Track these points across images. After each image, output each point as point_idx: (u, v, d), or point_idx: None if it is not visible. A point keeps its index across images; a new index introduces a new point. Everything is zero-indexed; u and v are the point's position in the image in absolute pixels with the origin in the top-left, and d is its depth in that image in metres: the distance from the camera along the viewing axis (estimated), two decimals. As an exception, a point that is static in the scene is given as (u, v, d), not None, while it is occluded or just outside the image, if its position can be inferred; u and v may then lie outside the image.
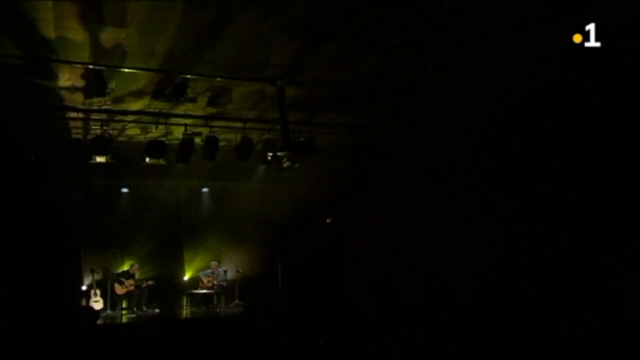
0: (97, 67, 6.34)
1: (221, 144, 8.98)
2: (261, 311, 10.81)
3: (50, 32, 5.31)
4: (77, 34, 5.36)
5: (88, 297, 10.65)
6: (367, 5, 4.90)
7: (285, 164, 8.90)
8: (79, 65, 6.29)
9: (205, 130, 8.88)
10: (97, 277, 10.85)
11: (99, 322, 9.81)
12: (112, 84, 6.95)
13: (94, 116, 8.30)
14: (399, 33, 5.57)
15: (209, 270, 12.01)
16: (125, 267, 11.49)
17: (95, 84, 6.74)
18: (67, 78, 6.80)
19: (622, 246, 6.50)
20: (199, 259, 12.49)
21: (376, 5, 4.90)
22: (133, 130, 9.43)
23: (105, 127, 8.40)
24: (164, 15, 5.00)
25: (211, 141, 8.76)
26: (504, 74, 6.59)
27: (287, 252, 12.04)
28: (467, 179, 9.00)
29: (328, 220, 12.50)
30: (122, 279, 11.11)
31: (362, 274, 10.98)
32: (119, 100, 7.72)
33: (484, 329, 7.82)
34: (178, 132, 8.95)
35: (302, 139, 8.40)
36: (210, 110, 8.34)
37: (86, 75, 6.66)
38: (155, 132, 8.91)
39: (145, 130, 9.16)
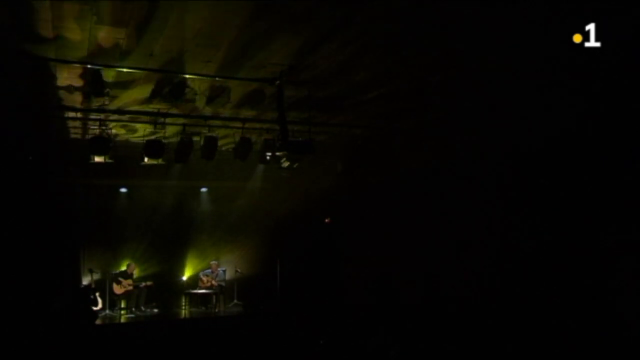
0: (96, 67, 6.32)
1: (220, 143, 8.96)
2: (260, 311, 10.81)
3: (48, 32, 5.29)
4: (75, 33, 5.34)
5: (87, 297, 10.63)
6: (366, 5, 4.89)
7: (284, 164, 8.87)
8: (77, 65, 6.27)
9: (204, 130, 8.87)
10: (96, 276, 10.84)
11: (98, 322, 9.80)
12: (111, 84, 6.94)
13: (93, 116, 8.28)
14: (398, 33, 5.56)
15: (209, 270, 12.02)
16: (123, 267, 11.49)
17: (93, 84, 6.72)
18: (65, 78, 6.77)
19: (621, 246, 6.51)
20: (197, 259, 12.49)
21: (375, 6, 4.89)
22: (131, 130, 9.41)
23: (103, 127, 8.38)
24: (162, 14, 4.98)
25: (210, 141, 8.74)
26: (503, 73, 6.58)
27: (286, 252, 12.04)
28: (465, 179, 9.00)
29: (327, 220, 12.49)
30: (120, 279, 11.10)
31: (361, 273, 10.97)
32: (117, 100, 7.70)
33: (483, 328, 7.82)
34: (177, 132, 8.94)
35: (300, 138, 8.39)
36: (209, 110, 8.33)
37: (84, 75, 6.64)
38: (154, 132, 8.89)
39: (143, 130, 9.14)
